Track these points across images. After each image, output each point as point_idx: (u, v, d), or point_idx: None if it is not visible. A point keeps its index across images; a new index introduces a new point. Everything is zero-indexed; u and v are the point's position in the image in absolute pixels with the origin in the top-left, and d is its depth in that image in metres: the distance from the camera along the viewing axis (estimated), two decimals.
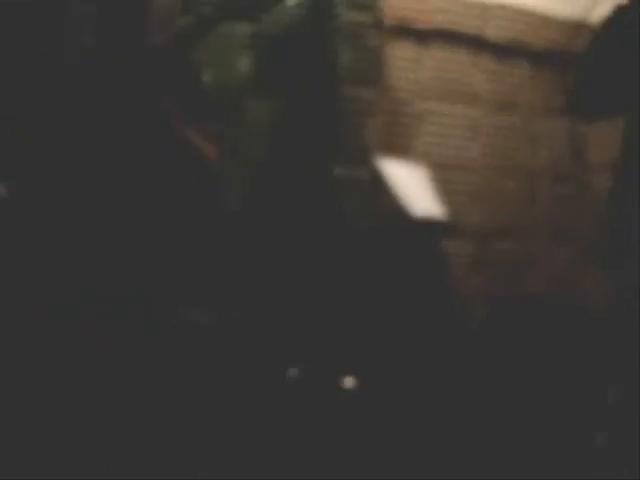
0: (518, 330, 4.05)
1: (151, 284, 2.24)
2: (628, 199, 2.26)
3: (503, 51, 4.57)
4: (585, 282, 4.38)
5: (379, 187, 3.87)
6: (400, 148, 4.24)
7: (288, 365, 3.13)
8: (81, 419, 2.28)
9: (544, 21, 4.66)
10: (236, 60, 3.89)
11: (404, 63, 4.31)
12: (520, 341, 3.98)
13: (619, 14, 2.28)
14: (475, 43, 4.49)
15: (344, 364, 3.33)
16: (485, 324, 4.21)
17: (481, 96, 4.48)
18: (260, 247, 3.46)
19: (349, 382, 3.17)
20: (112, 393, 2.27)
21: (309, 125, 3.90)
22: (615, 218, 2.39)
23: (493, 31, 4.53)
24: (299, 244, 3.67)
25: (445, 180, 4.32)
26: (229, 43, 3.89)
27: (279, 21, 4.03)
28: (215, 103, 3.50)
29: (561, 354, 3.79)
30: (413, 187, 3.89)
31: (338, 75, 3.79)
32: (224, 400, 3.00)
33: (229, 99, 3.81)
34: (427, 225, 3.73)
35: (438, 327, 3.82)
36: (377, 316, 3.67)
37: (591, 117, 3.29)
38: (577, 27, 4.41)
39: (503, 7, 4.57)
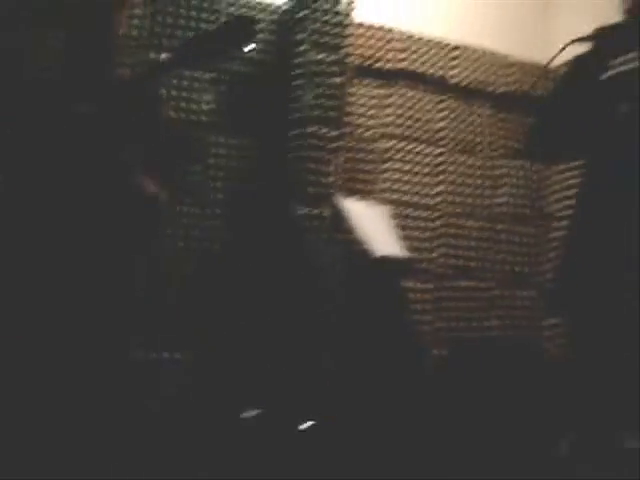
0: (476, 372, 4.05)
1: (99, 323, 2.19)
2: (580, 245, 2.28)
3: (466, 92, 4.62)
4: (543, 325, 4.40)
5: (340, 225, 3.86)
6: (362, 187, 4.24)
7: (245, 406, 3.08)
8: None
9: (507, 64, 4.74)
10: (199, 96, 3.88)
11: (368, 102, 4.33)
12: (478, 383, 3.97)
13: (579, 62, 2.30)
14: (438, 84, 4.54)
15: (303, 405, 3.29)
16: (443, 365, 4.20)
17: (443, 137, 4.52)
18: (218, 285, 3.42)
19: (306, 424, 3.13)
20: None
21: (271, 163, 3.89)
22: (566, 261, 2.40)
23: (456, 72, 4.58)
24: (258, 281, 3.64)
25: (406, 219, 4.33)
26: (192, 79, 3.89)
27: (243, 58, 4.04)
28: (176, 139, 3.48)
29: (518, 397, 3.78)
30: (374, 225, 3.88)
31: (301, 113, 3.79)
32: (176, 440, 2.95)
33: (190, 135, 3.80)
34: (387, 264, 3.72)
35: (397, 366, 3.80)
36: (336, 355, 3.64)
37: (549, 162, 3.33)
38: (539, 71, 4.48)
39: (466, 48, 4.64)
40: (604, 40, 2.25)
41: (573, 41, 2.27)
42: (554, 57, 2.35)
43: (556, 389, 3.62)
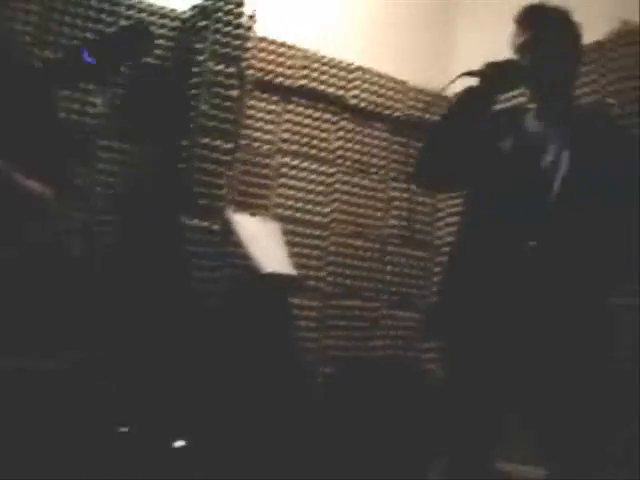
0: (361, 390, 4.07)
1: None
2: (459, 271, 2.32)
3: (363, 114, 4.67)
4: (424, 347, 4.48)
5: (229, 239, 3.82)
6: (256, 201, 4.22)
7: (121, 422, 2.99)
8: None
9: (405, 89, 4.82)
10: (92, 99, 3.77)
11: (265, 117, 4.31)
12: (362, 401, 3.99)
13: (468, 94, 2.35)
14: (337, 104, 4.57)
15: (178, 423, 3.23)
16: (328, 383, 4.20)
17: (339, 156, 4.54)
18: (100, 295, 3.32)
19: (179, 442, 3.07)
20: None
21: (164, 171, 3.82)
22: (445, 287, 2.44)
23: (355, 93, 4.63)
24: (143, 291, 3.56)
25: (297, 236, 4.33)
26: (87, 80, 3.78)
27: (141, 63, 3.96)
28: (67, 141, 3.36)
29: (397, 417, 3.83)
30: (264, 241, 3.86)
31: (196, 124, 3.73)
32: (53, 451, 2.83)
33: (82, 138, 3.69)
34: (275, 280, 3.71)
35: (282, 382, 3.78)
36: (219, 371, 3.60)
37: (435, 189, 3.39)
38: (434, 97, 4.58)
39: (367, 71, 4.69)
40: (493, 75, 2.30)
41: (463, 74, 2.32)
42: (447, 85, 2.40)
43: (433, 410, 3.69)
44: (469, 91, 2.34)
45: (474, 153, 2.35)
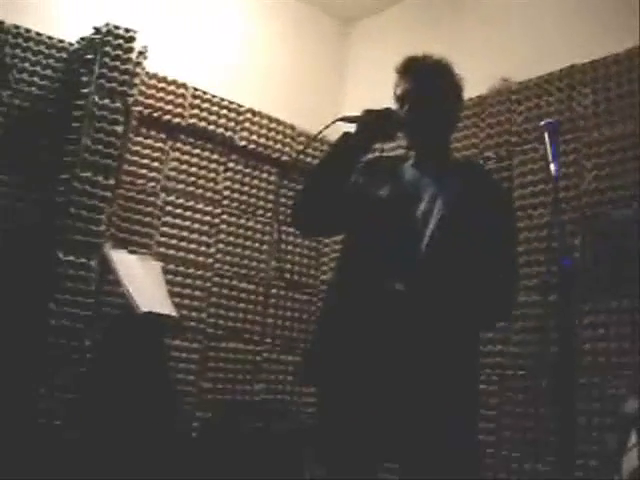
0: (237, 435, 4.00)
1: None
2: (331, 317, 2.31)
3: (251, 155, 4.67)
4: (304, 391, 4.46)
5: (107, 276, 3.71)
6: (139, 239, 4.13)
7: None
8: None
9: (293, 132, 4.86)
10: None
11: (152, 154, 4.25)
12: (236, 447, 3.92)
13: (344, 139, 2.37)
14: (225, 144, 4.56)
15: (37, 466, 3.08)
16: (205, 427, 4.12)
17: (225, 197, 4.52)
18: None
19: None
20: None
21: (41, 204, 3.69)
22: (318, 332, 2.43)
23: (244, 135, 4.63)
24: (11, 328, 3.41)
25: (180, 276, 4.26)
26: None
27: (23, 92, 3.85)
28: None
29: (270, 463, 3.77)
30: (144, 280, 3.77)
31: (77, 157, 3.64)
32: None
33: None
34: (153, 319, 3.61)
35: (155, 426, 3.66)
36: (90, 409, 3.47)
37: (310, 233, 3.39)
38: (322, 142, 4.63)
39: (257, 113, 4.71)
40: (369, 122, 2.33)
41: (340, 119, 2.34)
42: (322, 130, 2.41)
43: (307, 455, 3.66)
44: (345, 137, 2.36)
45: (349, 199, 2.37)
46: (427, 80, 2.40)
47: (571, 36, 3.95)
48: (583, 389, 3.36)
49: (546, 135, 2.35)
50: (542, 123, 2.39)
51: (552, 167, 2.29)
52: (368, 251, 2.28)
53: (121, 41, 3.87)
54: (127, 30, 3.90)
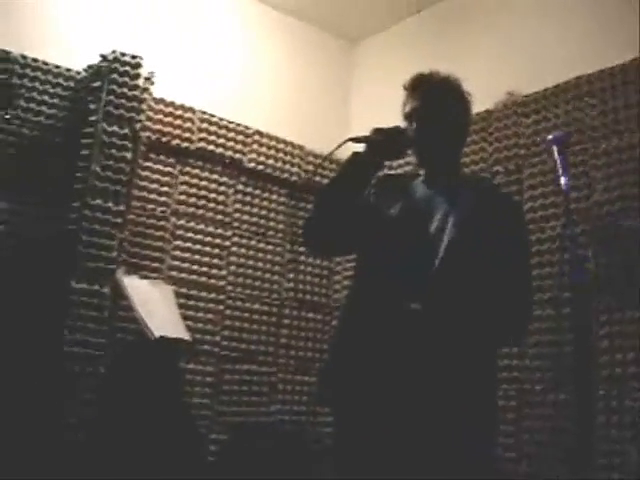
0: (254, 457, 3.98)
1: None
2: (346, 337, 2.31)
3: (260, 177, 4.68)
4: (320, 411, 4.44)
5: (120, 302, 3.72)
6: (150, 264, 4.14)
7: None
8: None
9: (302, 153, 4.87)
10: None
11: (162, 179, 4.27)
12: (254, 468, 3.90)
13: (354, 158, 2.37)
14: (234, 167, 4.57)
15: None
16: (222, 450, 4.10)
17: (235, 219, 4.52)
18: None
19: None
20: None
21: (53, 232, 3.71)
22: (333, 352, 2.43)
23: (253, 157, 4.64)
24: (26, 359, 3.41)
25: (192, 299, 4.26)
26: None
27: (32, 121, 3.88)
28: None
29: None
30: (157, 304, 3.77)
31: (87, 184, 3.65)
32: None
33: None
34: (167, 344, 3.61)
35: (172, 451, 3.66)
36: (102, 434, 3.46)
37: (323, 251, 3.41)
38: (331, 162, 4.63)
39: (265, 135, 4.73)
40: (379, 141, 2.33)
41: (349, 139, 2.35)
42: (333, 150, 2.42)
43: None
44: (355, 156, 2.37)
45: (361, 218, 2.37)
46: (435, 97, 2.41)
47: (576, 48, 3.95)
48: (601, 401, 3.33)
49: (554, 148, 2.35)
50: (550, 137, 2.39)
51: (562, 180, 2.29)
52: (382, 270, 2.28)
53: (128, 67, 3.90)
54: (133, 56, 3.93)
